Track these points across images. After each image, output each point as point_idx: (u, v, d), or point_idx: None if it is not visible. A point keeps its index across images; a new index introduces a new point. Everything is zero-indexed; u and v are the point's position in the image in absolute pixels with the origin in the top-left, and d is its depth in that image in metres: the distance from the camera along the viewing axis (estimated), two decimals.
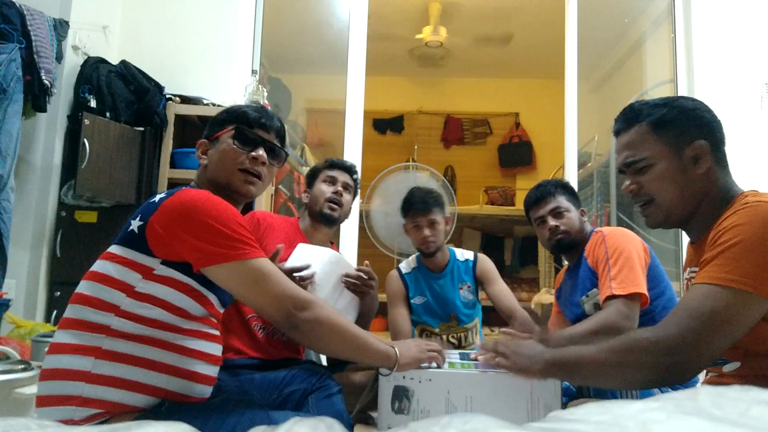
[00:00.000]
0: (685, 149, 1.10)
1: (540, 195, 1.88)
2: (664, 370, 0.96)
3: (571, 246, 1.85)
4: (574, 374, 1.10)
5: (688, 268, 1.19)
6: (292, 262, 1.67)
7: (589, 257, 1.77)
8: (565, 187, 1.90)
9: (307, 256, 1.68)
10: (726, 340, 0.95)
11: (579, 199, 1.93)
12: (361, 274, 1.72)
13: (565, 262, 2.05)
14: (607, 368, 1.01)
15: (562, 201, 1.85)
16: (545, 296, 4.12)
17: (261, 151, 1.24)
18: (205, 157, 1.24)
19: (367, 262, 1.78)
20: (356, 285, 1.71)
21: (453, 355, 1.37)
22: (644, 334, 1.00)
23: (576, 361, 1.06)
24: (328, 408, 1.34)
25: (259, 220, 1.84)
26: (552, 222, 1.83)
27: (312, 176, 2.03)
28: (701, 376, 1.15)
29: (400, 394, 1.21)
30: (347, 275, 1.70)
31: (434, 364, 1.25)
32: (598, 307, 1.71)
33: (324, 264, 1.66)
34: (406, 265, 2.36)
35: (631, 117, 1.16)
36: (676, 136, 1.11)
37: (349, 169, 2.02)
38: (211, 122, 1.29)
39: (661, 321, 1.02)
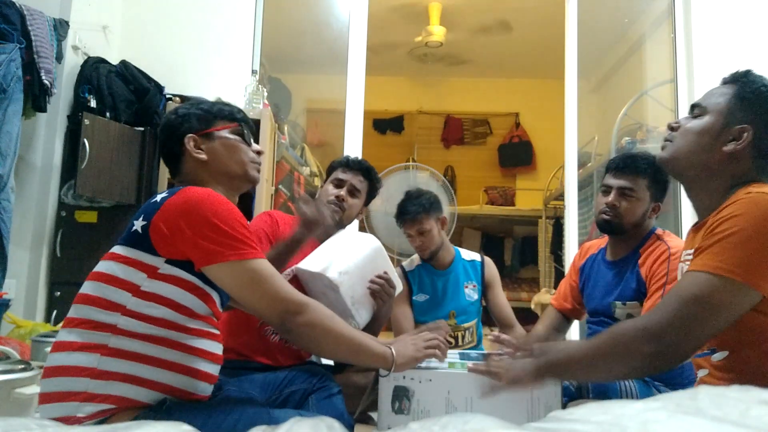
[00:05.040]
0: (734, 125, 1.10)
1: (623, 165, 1.69)
2: (648, 357, 0.96)
3: (612, 232, 1.69)
4: (565, 371, 1.12)
5: (684, 251, 1.20)
6: (338, 238, 1.69)
7: (644, 266, 1.61)
8: (656, 173, 1.67)
9: (352, 236, 1.70)
10: (711, 328, 0.96)
11: (663, 193, 1.71)
12: (389, 279, 1.69)
13: (567, 261, 2.02)
14: (595, 361, 1.03)
15: (641, 185, 1.66)
16: (545, 296, 4.12)
17: (258, 146, 1.32)
18: (200, 151, 1.23)
19: (385, 271, 1.74)
20: (379, 289, 1.67)
21: (453, 355, 1.37)
22: (630, 323, 1.02)
23: (565, 359, 1.08)
24: (329, 408, 1.34)
25: (277, 219, 1.83)
26: (613, 199, 1.66)
27: (327, 172, 1.98)
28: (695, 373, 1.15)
29: (400, 395, 1.21)
30: (372, 280, 1.66)
31: (433, 362, 1.25)
32: (631, 317, 1.62)
33: (372, 249, 1.66)
34: (409, 263, 2.35)
35: (735, 78, 1.17)
36: (740, 111, 1.11)
37: (365, 171, 1.92)
38: (188, 117, 1.25)
39: (651, 308, 1.03)
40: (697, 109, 1.16)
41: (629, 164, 1.69)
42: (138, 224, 1.07)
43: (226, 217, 1.06)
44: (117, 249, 1.09)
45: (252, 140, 1.31)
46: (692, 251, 1.08)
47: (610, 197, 1.67)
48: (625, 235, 1.69)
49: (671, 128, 1.19)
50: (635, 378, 1.07)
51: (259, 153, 1.30)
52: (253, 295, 1.09)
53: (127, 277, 1.05)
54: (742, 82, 1.14)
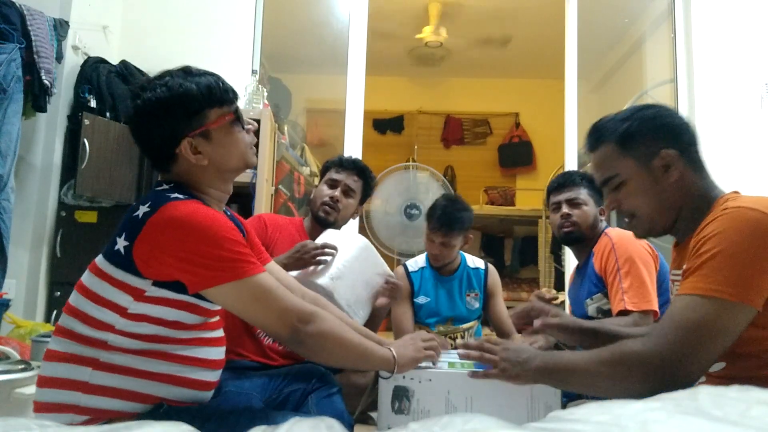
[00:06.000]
0: (653, 160, 1.10)
1: (563, 181, 1.92)
2: (657, 383, 0.95)
3: (578, 240, 1.87)
4: (564, 382, 1.10)
5: (673, 270, 1.20)
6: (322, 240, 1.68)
7: (596, 262, 1.78)
8: (591, 182, 1.89)
9: (338, 238, 1.69)
10: (716, 351, 0.95)
11: (602, 197, 1.89)
12: (395, 282, 1.80)
13: (567, 261, 2.07)
14: (597, 379, 1.02)
15: (582, 193, 1.88)
16: None
17: (251, 122, 1.20)
18: (200, 155, 1.09)
19: (391, 273, 1.86)
20: (388, 292, 1.78)
21: (453, 356, 1.37)
22: (634, 347, 0.99)
23: (566, 369, 1.06)
24: (328, 408, 1.34)
25: (267, 223, 1.83)
26: (565, 210, 1.86)
27: (322, 172, 1.99)
28: None
29: (400, 395, 1.21)
30: (387, 281, 1.77)
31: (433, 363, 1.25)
32: (601, 311, 1.74)
33: (358, 249, 1.69)
34: (413, 263, 2.33)
35: (597, 137, 1.17)
36: (642, 148, 1.11)
37: (360, 171, 1.92)
38: (175, 112, 1.08)
39: (650, 333, 1.01)
40: (613, 180, 1.14)
41: (566, 179, 1.93)
42: (120, 243, 1.00)
43: (215, 236, 0.99)
44: (102, 264, 1.03)
45: (240, 113, 1.16)
46: (680, 271, 1.07)
47: (563, 209, 1.88)
48: (585, 242, 1.88)
49: (620, 211, 1.17)
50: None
51: (250, 131, 1.18)
52: (259, 312, 1.04)
53: (113, 299, 1.00)
54: (608, 132, 1.14)
